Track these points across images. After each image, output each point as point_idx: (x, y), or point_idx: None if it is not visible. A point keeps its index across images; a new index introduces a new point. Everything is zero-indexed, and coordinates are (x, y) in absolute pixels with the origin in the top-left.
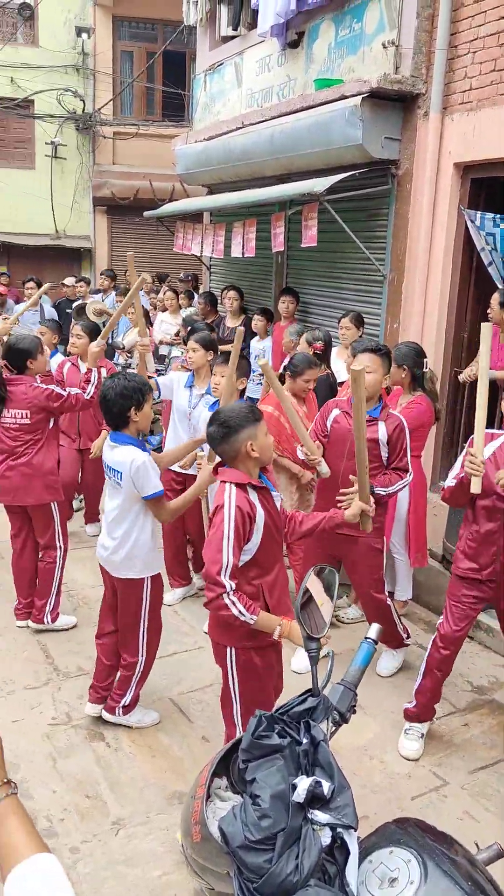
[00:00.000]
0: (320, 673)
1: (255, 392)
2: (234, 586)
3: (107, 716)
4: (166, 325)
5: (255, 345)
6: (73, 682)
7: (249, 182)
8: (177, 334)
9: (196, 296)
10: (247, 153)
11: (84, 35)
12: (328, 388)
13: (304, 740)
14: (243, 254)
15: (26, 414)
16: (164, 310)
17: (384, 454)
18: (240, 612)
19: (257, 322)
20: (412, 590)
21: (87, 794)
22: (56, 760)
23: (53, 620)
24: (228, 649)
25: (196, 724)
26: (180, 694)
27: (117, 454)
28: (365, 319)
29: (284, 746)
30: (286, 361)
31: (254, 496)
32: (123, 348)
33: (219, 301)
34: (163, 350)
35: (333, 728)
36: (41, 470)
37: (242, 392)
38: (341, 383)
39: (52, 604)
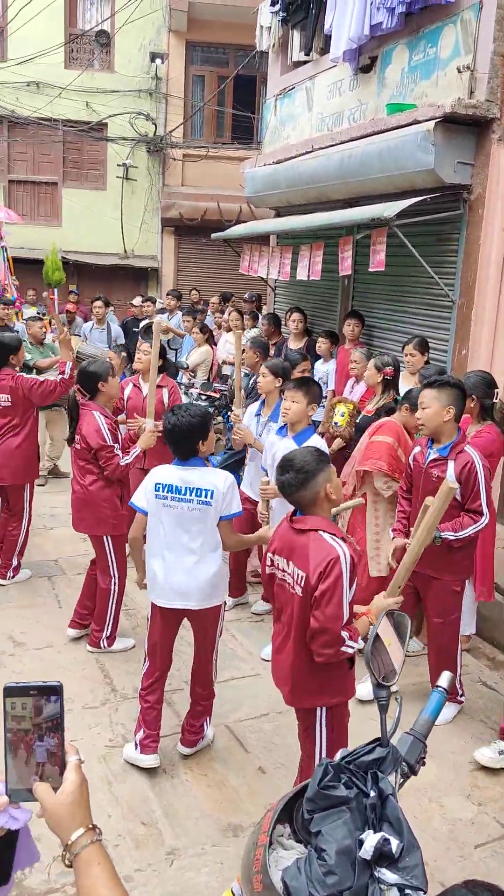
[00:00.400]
0: (388, 720)
1: (318, 415)
2: (348, 635)
3: (187, 750)
4: (230, 345)
5: (320, 367)
6: (130, 704)
7: (317, 205)
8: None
9: (260, 316)
10: (315, 177)
11: (158, 60)
12: None
13: (372, 793)
14: (309, 277)
15: (78, 440)
16: (229, 330)
17: (458, 496)
18: (351, 646)
19: (321, 345)
20: (476, 624)
21: (142, 820)
22: (112, 784)
23: (109, 645)
24: (319, 711)
25: (252, 754)
26: (237, 721)
27: (201, 475)
28: (433, 345)
29: (351, 798)
30: (352, 385)
31: None
32: (187, 367)
33: (283, 322)
34: (226, 370)
35: (402, 780)
36: (96, 499)
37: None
38: None
39: (109, 630)
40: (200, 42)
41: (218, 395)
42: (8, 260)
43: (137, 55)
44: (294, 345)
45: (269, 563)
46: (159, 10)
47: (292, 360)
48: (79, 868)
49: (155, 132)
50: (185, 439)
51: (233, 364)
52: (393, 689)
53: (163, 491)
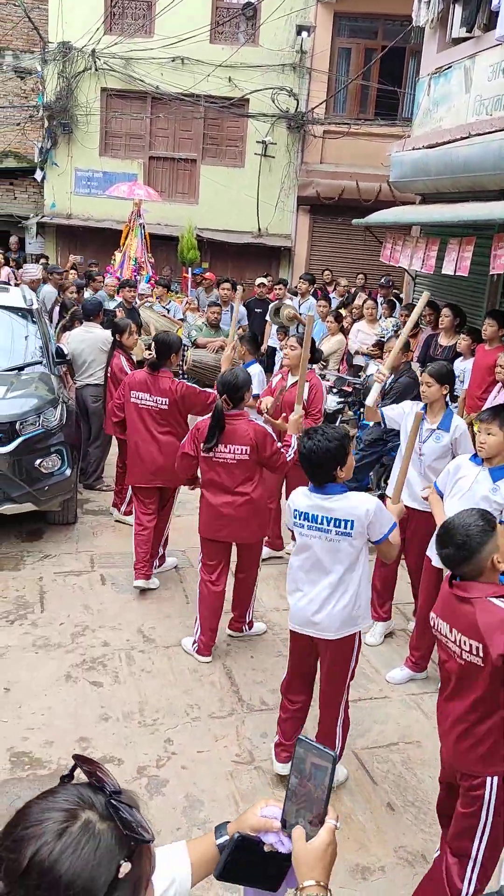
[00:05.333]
0: None
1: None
2: None
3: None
4: (363, 334)
5: (458, 364)
6: (258, 717)
7: (469, 195)
8: (375, 345)
9: (398, 305)
10: (470, 165)
11: (304, 33)
12: None
13: None
14: (456, 272)
15: (246, 450)
16: (361, 317)
17: None
18: None
19: (462, 342)
20: None
21: None
22: (239, 804)
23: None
24: (490, 780)
25: (380, 788)
26: (364, 748)
27: (341, 504)
28: None
29: None
30: (497, 391)
31: None
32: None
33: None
34: (357, 360)
35: None
36: (260, 506)
37: None
38: None
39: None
40: (349, 13)
41: (350, 390)
42: (145, 237)
43: (283, 28)
44: (445, 341)
45: (432, 624)
46: None
47: None
48: None
49: (297, 108)
50: (321, 466)
51: (368, 355)
52: None
53: (299, 519)
